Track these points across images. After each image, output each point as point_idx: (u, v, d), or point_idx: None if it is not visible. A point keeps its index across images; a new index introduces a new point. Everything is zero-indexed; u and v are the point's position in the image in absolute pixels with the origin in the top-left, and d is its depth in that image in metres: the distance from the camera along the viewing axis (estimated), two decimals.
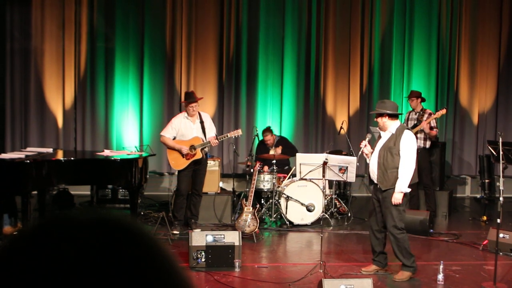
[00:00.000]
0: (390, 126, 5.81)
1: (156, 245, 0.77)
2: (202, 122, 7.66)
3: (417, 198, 8.63)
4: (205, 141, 7.56)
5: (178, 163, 7.59)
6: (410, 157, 5.73)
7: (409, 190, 5.77)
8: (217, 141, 7.62)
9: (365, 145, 5.95)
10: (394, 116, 5.83)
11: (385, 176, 5.78)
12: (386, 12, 10.65)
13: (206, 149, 7.75)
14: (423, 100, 8.75)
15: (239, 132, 7.75)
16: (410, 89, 9.94)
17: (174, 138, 7.62)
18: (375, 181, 5.90)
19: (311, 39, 10.51)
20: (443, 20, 10.68)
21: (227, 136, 7.76)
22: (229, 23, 10.36)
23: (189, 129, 7.60)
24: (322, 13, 10.50)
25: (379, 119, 5.84)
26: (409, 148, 5.73)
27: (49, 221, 0.77)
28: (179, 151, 7.53)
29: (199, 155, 7.55)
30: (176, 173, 7.98)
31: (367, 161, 6.05)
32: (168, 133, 7.63)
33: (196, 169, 7.68)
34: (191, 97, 7.64)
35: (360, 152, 6.04)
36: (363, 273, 6.05)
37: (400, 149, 5.73)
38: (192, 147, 7.52)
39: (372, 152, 5.95)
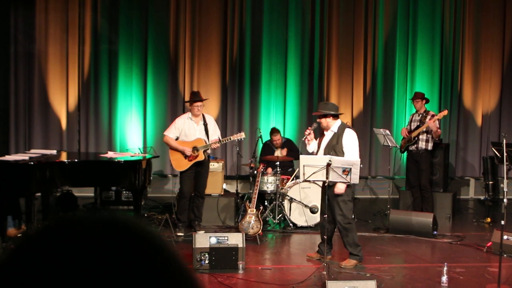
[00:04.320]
0: (333, 125, 6.29)
1: (165, 245, 0.78)
2: (205, 124, 7.66)
3: (420, 200, 8.63)
4: (207, 143, 7.57)
5: (180, 164, 7.59)
6: (353, 152, 6.20)
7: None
8: (218, 144, 7.63)
9: (309, 133, 6.40)
10: (336, 116, 6.35)
11: None
12: (390, 14, 10.64)
13: (209, 151, 7.75)
14: (427, 101, 8.74)
15: (242, 135, 7.75)
16: (414, 91, 9.92)
17: (177, 139, 7.63)
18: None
19: (314, 41, 10.51)
20: (446, 21, 10.67)
21: (230, 139, 7.77)
22: (232, 25, 10.37)
23: (192, 130, 7.61)
24: (325, 15, 10.51)
25: (322, 120, 6.31)
26: (350, 144, 6.22)
27: (57, 223, 0.77)
28: (182, 152, 7.53)
29: (201, 156, 7.56)
30: (179, 174, 7.98)
31: (307, 147, 6.53)
32: (171, 133, 7.64)
33: (198, 171, 7.68)
34: (196, 96, 7.66)
35: (304, 138, 6.51)
36: (307, 257, 6.62)
37: (343, 147, 6.23)
38: (195, 149, 7.53)
39: (311, 140, 6.44)
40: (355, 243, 6.37)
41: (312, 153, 6.54)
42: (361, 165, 6.93)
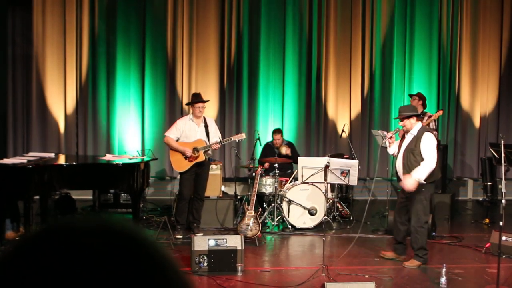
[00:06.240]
0: (414, 127, 6.33)
1: (158, 250, 0.78)
2: (206, 126, 7.68)
3: None
4: (208, 143, 7.57)
5: (181, 165, 7.59)
6: (431, 156, 6.18)
7: (423, 180, 6.14)
8: (219, 144, 7.63)
9: (391, 136, 6.54)
10: (418, 118, 6.44)
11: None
12: (387, 15, 10.65)
13: (210, 152, 7.75)
14: (424, 103, 8.75)
15: (242, 136, 7.76)
16: (412, 92, 9.93)
17: (178, 140, 7.63)
18: (402, 179, 6.41)
19: (312, 42, 10.52)
20: (443, 22, 10.68)
21: (230, 139, 7.77)
22: (230, 27, 10.38)
23: (193, 131, 7.62)
24: (322, 17, 10.51)
25: (406, 122, 6.34)
26: (428, 148, 6.19)
27: (53, 227, 0.77)
28: (182, 153, 7.53)
29: (202, 157, 7.56)
30: (178, 177, 7.97)
31: (387, 149, 6.67)
32: (172, 134, 7.65)
33: (198, 173, 7.68)
34: (198, 98, 7.67)
35: (384, 140, 6.66)
36: (381, 255, 6.71)
37: (421, 150, 6.20)
38: (195, 149, 7.53)
39: (392, 143, 6.57)
40: (423, 247, 6.39)
41: (392, 155, 6.75)
42: (359, 167, 7.02)
